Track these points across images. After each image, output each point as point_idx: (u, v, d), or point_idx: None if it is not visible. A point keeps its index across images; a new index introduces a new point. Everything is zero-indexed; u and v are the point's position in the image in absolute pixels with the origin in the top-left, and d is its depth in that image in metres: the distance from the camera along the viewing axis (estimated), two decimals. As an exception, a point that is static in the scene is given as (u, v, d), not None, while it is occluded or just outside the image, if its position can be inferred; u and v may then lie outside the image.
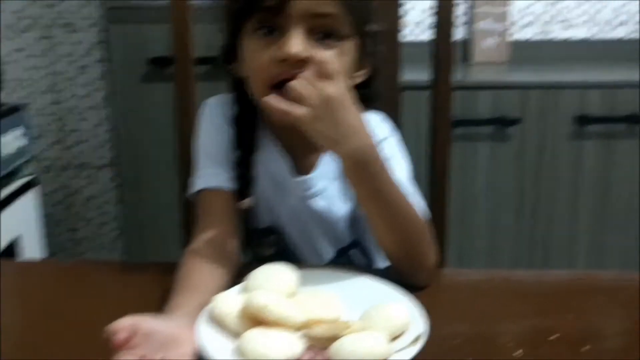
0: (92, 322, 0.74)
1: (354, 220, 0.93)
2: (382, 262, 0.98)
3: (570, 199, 1.82)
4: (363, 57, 0.86)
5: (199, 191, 0.89)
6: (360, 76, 0.87)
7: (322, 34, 0.79)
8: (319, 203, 0.91)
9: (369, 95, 0.92)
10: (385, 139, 0.89)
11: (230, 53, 0.86)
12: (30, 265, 0.93)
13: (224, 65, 0.89)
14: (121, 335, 0.59)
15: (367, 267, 0.95)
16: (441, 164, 1.05)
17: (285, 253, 0.94)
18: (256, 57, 0.80)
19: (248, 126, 0.90)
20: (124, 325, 0.61)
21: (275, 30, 0.79)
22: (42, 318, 0.76)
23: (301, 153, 0.90)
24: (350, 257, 0.96)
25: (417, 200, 0.84)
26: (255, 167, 0.90)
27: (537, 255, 1.86)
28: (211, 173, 0.89)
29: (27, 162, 1.85)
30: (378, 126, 0.90)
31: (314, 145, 0.87)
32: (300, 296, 0.74)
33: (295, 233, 0.93)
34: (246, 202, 0.90)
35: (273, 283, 0.73)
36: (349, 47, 0.82)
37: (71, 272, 0.91)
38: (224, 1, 0.85)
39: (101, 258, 2.37)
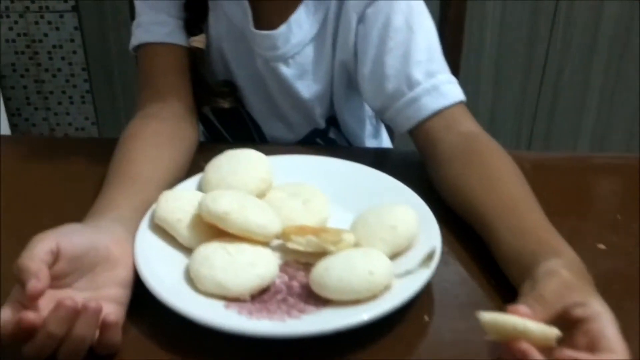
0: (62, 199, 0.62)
1: (330, 101, 0.75)
2: (368, 140, 0.83)
3: (584, 58, 1.64)
4: None
5: (141, 45, 0.71)
6: None
7: None
8: (287, 70, 0.71)
9: None
10: None
11: None
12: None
13: None
14: (38, 285, 0.41)
15: (347, 147, 0.79)
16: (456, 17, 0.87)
17: (243, 110, 0.77)
18: None
19: None
20: (42, 255, 0.43)
21: None
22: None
23: (269, 3, 0.70)
24: (328, 137, 0.79)
25: (448, 79, 0.65)
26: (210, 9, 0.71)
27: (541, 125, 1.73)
28: (155, 21, 0.71)
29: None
30: None
31: None
32: (275, 194, 0.57)
33: (259, 102, 0.76)
34: (197, 40, 0.71)
35: (239, 177, 0.55)
36: None
37: (41, 147, 0.76)
38: None
39: (72, 114, 2.20)
